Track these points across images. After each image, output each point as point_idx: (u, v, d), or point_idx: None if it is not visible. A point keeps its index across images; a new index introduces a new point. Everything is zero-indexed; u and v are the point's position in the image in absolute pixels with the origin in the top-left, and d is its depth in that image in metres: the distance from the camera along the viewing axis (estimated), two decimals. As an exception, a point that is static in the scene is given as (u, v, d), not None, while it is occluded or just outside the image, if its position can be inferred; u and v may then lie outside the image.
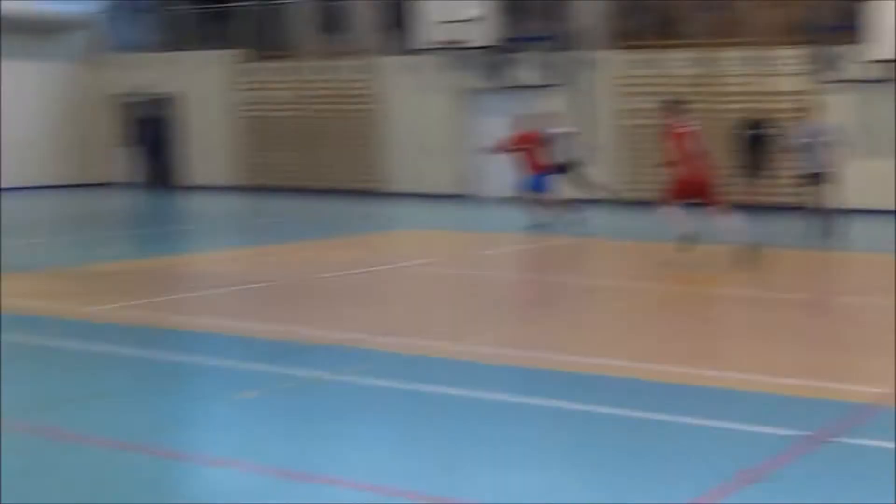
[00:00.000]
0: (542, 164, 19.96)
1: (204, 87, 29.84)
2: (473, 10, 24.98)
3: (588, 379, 8.51)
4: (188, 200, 27.91)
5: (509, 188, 21.74)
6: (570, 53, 25.22)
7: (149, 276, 14.71)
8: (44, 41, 30.24)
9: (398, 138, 27.29)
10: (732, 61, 23.62)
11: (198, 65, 30.04)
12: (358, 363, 9.00)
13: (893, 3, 21.41)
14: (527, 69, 25.58)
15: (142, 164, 31.11)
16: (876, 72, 21.88)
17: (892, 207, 21.27)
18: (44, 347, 9.78)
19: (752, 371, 8.63)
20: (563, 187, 20.35)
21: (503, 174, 22.42)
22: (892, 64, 21.56)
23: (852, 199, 19.38)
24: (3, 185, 28.37)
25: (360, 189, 27.53)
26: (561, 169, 20.24)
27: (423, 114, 26.81)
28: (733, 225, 14.87)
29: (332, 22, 28.86)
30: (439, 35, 25.66)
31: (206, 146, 29.89)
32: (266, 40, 29.72)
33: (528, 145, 20.09)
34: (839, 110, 21.04)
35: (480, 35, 25.11)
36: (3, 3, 28.44)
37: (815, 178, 18.00)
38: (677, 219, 15.02)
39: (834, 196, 18.09)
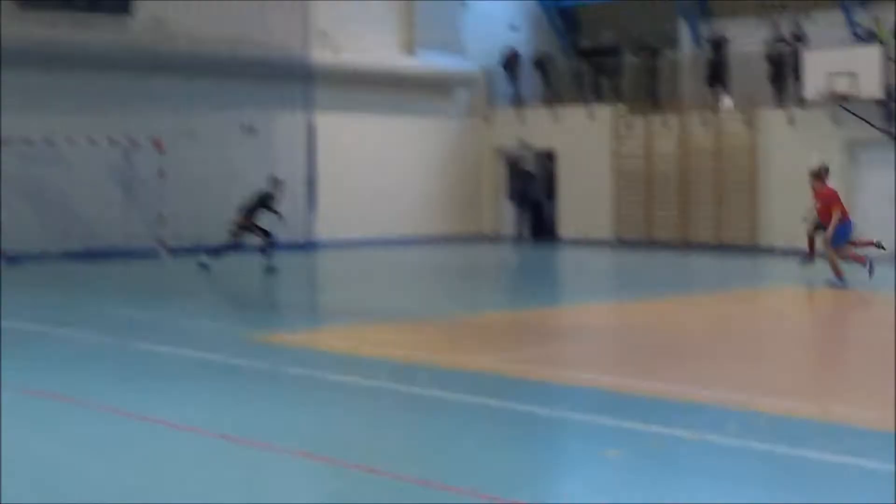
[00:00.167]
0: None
1: (585, 140, 30.21)
2: (860, 62, 24.14)
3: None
4: (566, 253, 28.25)
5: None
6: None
7: (522, 327, 14.95)
8: (433, 98, 31.56)
9: (778, 193, 26.58)
10: None
11: (579, 119, 30.47)
12: (729, 423, 8.74)
13: None
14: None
15: (523, 217, 31.79)
16: None
17: None
18: (417, 396, 10.06)
19: None
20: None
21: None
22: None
23: None
24: (389, 236, 29.74)
25: (736, 244, 27.04)
26: None
27: (808, 167, 25.99)
28: None
29: (715, 74, 28.57)
30: (825, 87, 24.94)
31: (586, 199, 30.18)
32: (648, 93, 29.79)
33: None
34: None
35: (868, 87, 24.18)
36: (390, 61, 29.98)
37: None
38: None
39: None
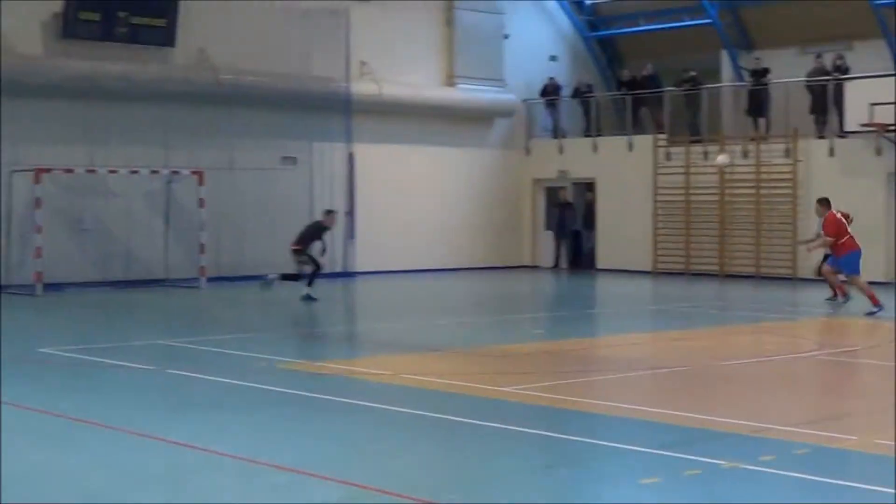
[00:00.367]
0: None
1: (625, 171, 30.18)
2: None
3: None
4: (605, 283, 28.17)
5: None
6: None
7: (561, 357, 14.93)
8: (473, 129, 31.63)
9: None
10: None
11: (619, 149, 30.45)
12: (765, 452, 8.68)
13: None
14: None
15: (562, 247, 31.75)
16: None
17: None
18: (460, 424, 10.05)
19: None
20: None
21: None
22: None
23: None
24: (428, 267, 29.79)
25: (776, 274, 26.92)
26: None
27: (849, 198, 25.83)
28: None
29: (756, 105, 28.51)
30: (867, 117, 24.82)
31: (625, 229, 30.11)
32: (688, 124, 29.74)
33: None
34: None
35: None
36: (430, 92, 30.12)
37: None
38: None
39: None
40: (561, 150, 31.79)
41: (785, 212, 27.25)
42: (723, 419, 10.12)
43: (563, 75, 32.84)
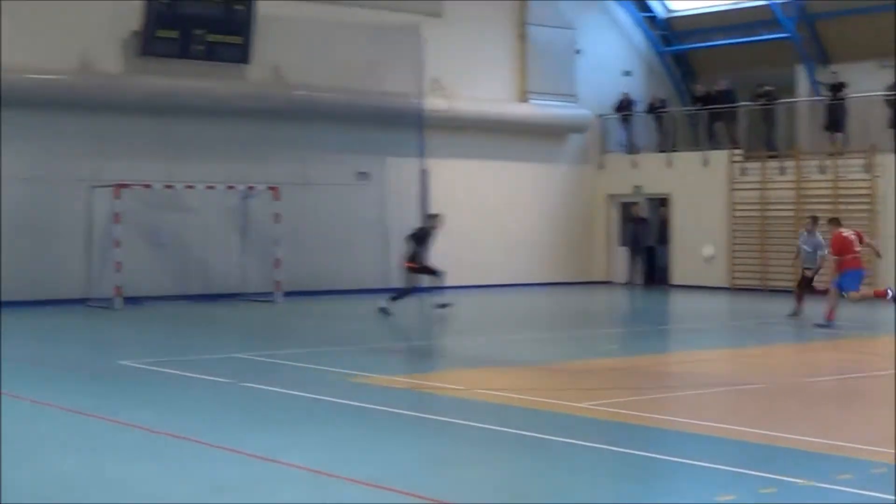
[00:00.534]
0: None
1: (700, 186, 29.99)
2: None
3: None
4: (679, 299, 27.99)
5: None
6: None
7: (636, 373, 14.86)
8: (546, 144, 31.62)
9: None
10: None
11: (694, 164, 30.28)
12: (841, 471, 8.59)
13: None
14: None
15: (636, 263, 31.60)
16: None
17: None
18: (534, 439, 10.04)
19: None
20: None
21: None
22: None
23: None
24: (501, 282, 29.80)
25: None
26: None
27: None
28: None
29: (833, 119, 28.21)
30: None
31: (700, 245, 29.89)
32: (764, 139, 29.50)
33: None
34: None
35: None
36: (503, 107, 30.17)
37: None
38: None
39: None
40: (635, 166, 31.69)
41: (863, 228, 26.88)
42: (799, 437, 10.02)
43: (637, 90, 32.73)
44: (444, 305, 22.46)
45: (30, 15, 24.26)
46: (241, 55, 26.28)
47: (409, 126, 28.74)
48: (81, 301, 24.05)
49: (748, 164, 29.28)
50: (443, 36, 29.37)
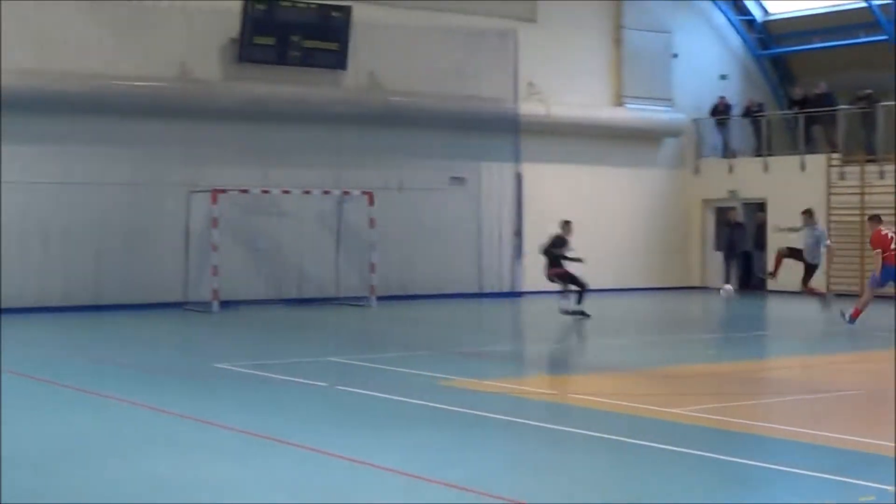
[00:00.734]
0: None
1: (797, 190, 29.56)
2: None
3: None
4: (776, 305, 27.62)
5: None
6: None
7: (731, 379, 14.72)
8: (641, 148, 31.44)
9: None
10: None
11: (791, 169, 29.89)
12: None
13: None
14: None
15: (732, 268, 31.23)
16: None
17: None
18: (626, 444, 10.00)
19: None
20: None
21: None
22: None
23: None
24: (595, 287, 29.68)
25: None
26: None
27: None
28: None
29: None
30: None
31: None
32: (864, 143, 29.03)
33: None
34: None
35: None
36: (598, 112, 30.03)
37: None
38: None
39: None
40: (731, 170, 31.37)
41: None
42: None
43: (734, 94, 32.41)
44: (577, 313, 22.13)
45: (129, 24, 24.71)
46: (337, 61, 26.51)
47: (504, 131, 28.76)
48: (179, 305, 24.42)
49: (846, 168, 28.83)
50: (537, 40, 29.35)
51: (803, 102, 30.64)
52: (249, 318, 23.02)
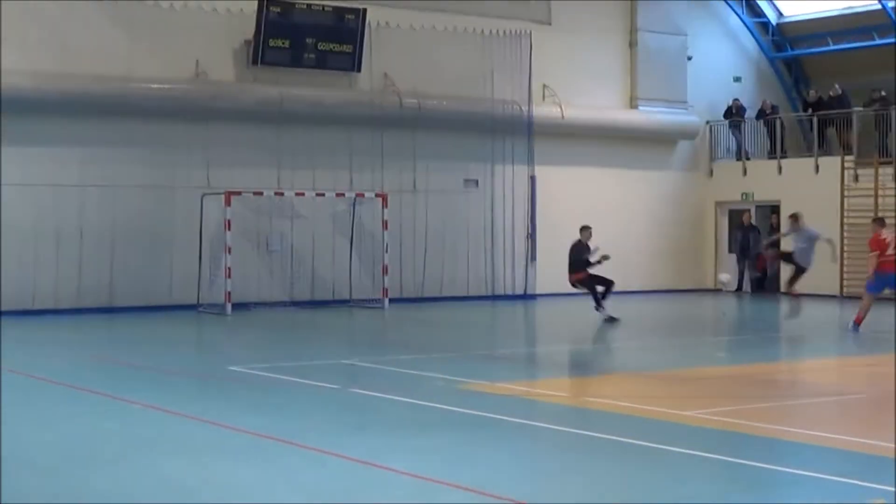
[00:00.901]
0: None
1: (811, 193, 29.50)
2: None
3: None
4: (785, 307, 27.54)
5: None
6: None
7: (744, 381, 14.70)
8: (655, 151, 31.42)
9: None
10: None
11: (805, 171, 29.84)
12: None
13: None
14: None
15: (746, 270, 31.20)
16: None
17: None
18: (641, 447, 9.99)
19: None
20: None
21: None
22: None
23: None
24: (613, 289, 29.65)
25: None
26: None
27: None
28: None
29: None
30: None
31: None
32: (878, 145, 28.96)
33: None
34: None
35: None
36: (612, 114, 30.00)
37: None
38: None
39: None
40: (745, 173, 31.33)
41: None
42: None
43: (748, 96, 32.38)
44: (608, 319, 22.07)
45: (145, 26, 24.79)
46: (351, 64, 26.56)
47: (518, 133, 28.77)
48: (192, 307, 24.47)
49: (861, 171, 28.77)
50: (552, 43, 29.36)
51: (817, 104, 30.59)
52: (263, 321, 23.05)
